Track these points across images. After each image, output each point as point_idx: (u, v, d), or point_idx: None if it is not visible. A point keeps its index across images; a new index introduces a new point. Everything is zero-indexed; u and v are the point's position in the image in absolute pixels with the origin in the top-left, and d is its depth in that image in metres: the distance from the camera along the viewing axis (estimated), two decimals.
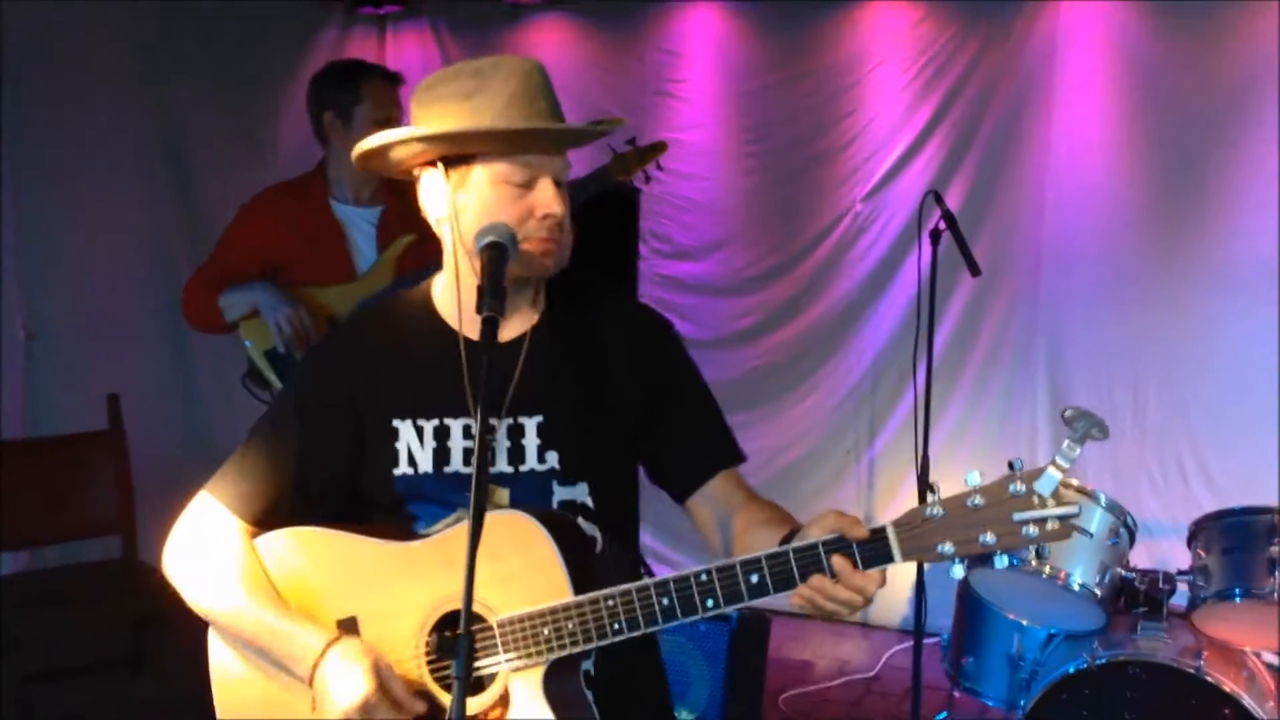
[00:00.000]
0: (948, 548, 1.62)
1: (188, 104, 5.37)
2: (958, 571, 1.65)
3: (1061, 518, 1.60)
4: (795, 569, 1.65)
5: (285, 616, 1.82)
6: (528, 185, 1.81)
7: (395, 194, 3.61)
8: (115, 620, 4.25)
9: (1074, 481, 3.47)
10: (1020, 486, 1.60)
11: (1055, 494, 1.60)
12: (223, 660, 1.92)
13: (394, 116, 3.55)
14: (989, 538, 1.61)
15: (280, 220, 3.55)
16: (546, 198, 1.80)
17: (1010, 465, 1.63)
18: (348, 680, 1.73)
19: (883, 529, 1.64)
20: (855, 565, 1.64)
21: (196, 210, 5.38)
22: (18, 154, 4.82)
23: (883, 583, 1.66)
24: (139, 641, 4.29)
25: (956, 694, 4.13)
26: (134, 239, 5.29)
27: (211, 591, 1.87)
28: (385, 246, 3.55)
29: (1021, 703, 3.46)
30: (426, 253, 3.40)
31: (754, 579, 1.66)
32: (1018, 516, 1.60)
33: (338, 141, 3.55)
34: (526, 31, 5.64)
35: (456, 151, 1.83)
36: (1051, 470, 1.59)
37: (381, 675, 1.74)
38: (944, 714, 4.25)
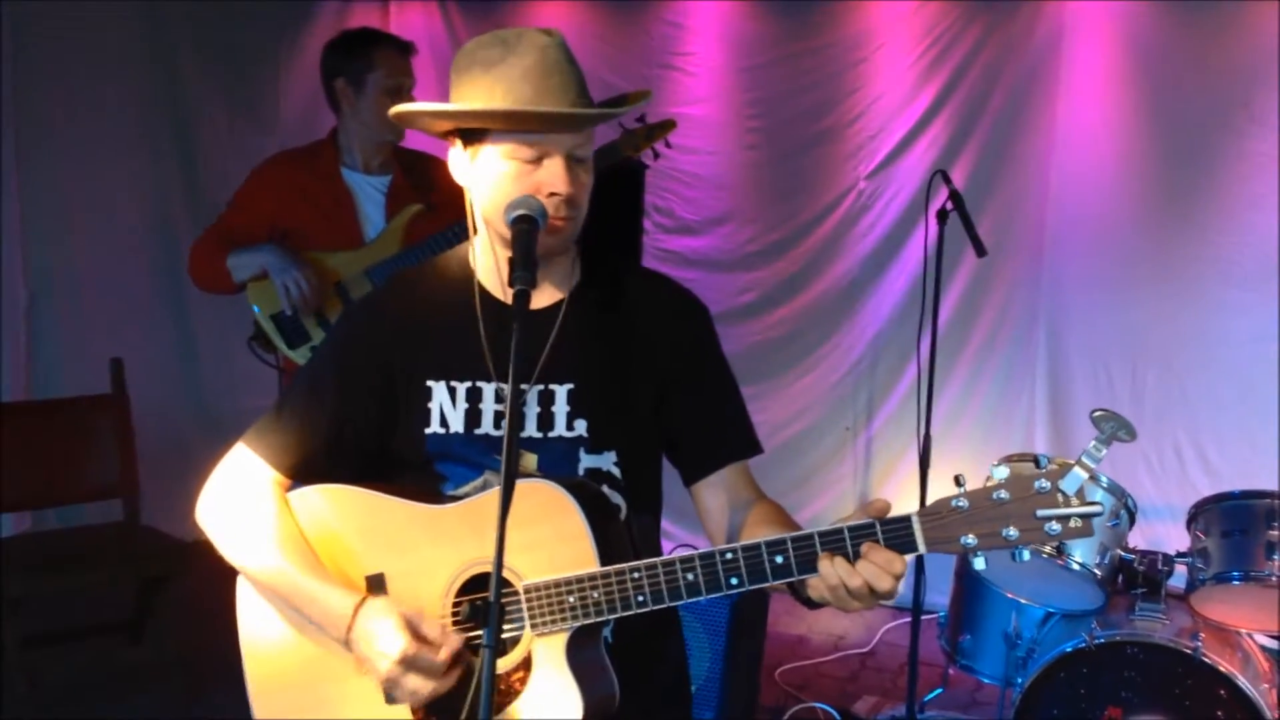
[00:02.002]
0: (971, 540, 1.63)
1: (191, 73, 5.38)
2: (979, 564, 1.66)
3: (1084, 515, 1.61)
4: (820, 552, 1.66)
5: (318, 578, 1.85)
6: (536, 162, 1.81)
7: (403, 164, 3.63)
8: (118, 584, 4.27)
9: (1072, 462, 3.49)
10: (1045, 483, 1.61)
11: (1079, 492, 1.61)
12: (253, 615, 1.94)
13: (405, 85, 3.56)
14: (1012, 532, 1.62)
15: (291, 186, 3.58)
16: (553, 176, 1.81)
17: (1036, 461, 1.63)
18: (381, 643, 1.75)
19: (907, 518, 1.65)
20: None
21: (198, 178, 5.40)
22: (23, 120, 4.82)
23: (904, 570, 1.67)
24: (141, 605, 4.31)
25: (952, 671, 4.17)
26: (136, 205, 5.31)
27: (246, 547, 1.89)
28: (394, 215, 3.56)
29: (1018, 680, 3.50)
30: (433, 222, 3.46)
31: (778, 559, 1.67)
32: (1041, 513, 1.61)
33: (349, 109, 3.57)
34: (532, 3, 5.63)
35: (470, 125, 1.84)
36: (1077, 469, 1.60)
37: (412, 625, 1.76)
38: (939, 690, 4.29)
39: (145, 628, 4.35)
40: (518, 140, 1.80)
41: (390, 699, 1.81)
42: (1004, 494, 1.62)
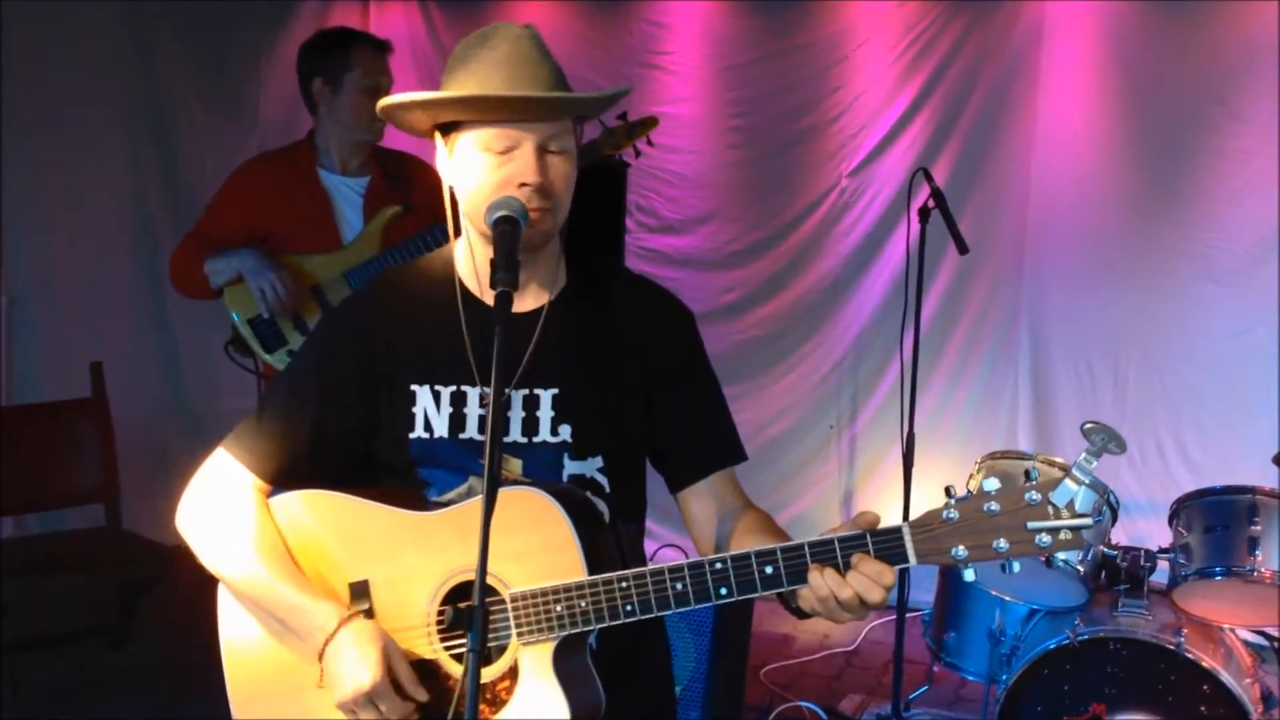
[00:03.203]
0: (961, 551, 1.63)
1: (171, 74, 5.34)
2: (969, 575, 1.66)
3: (1074, 528, 1.61)
4: (810, 563, 1.66)
5: (299, 589, 1.83)
6: (507, 153, 1.80)
7: (382, 165, 3.61)
8: (100, 589, 4.24)
9: (1058, 459, 3.51)
10: (1036, 495, 1.61)
11: (1070, 504, 1.61)
12: (234, 620, 1.93)
13: (383, 84, 3.55)
14: (1002, 544, 1.62)
15: (267, 189, 3.55)
16: (522, 165, 1.79)
17: (1026, 474, 1.63)
18: (356, 667, 1.74)
19: (898, 529, 1.65)
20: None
21: (178, 180, 5.37)
22: (3, 125, 4.78)
23: (894, 581, 1.66)
24: (124, 610, 4.28)
25: (936, 668, 4.18)
26: (116, 207, 5.28)
27: (228, 555, 1.87)
28: (372, 216, 3.54)
29: (1003, 677, 3.51)
30: (412, 223, 3.44)
31: (768, 570, 1.67)
32: (1032, 525, 1.61)
33: (326, 109, 3.55)
34: (514, 2, 5.61)
35: (445, 119, 1.84)
36: (1068, 482, 1.60)
37: (390, 663, 1.76)
38: (924, 688, 4.30)
39: (128, 632, 4.32)
40: (489, 129, 1.79)
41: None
42: (994, 505, 1.62)
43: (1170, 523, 3.53)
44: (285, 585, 1.83)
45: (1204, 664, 3.17)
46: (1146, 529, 4.41)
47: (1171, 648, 3.19)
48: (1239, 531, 3.32)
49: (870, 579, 1.63)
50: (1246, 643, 3.55)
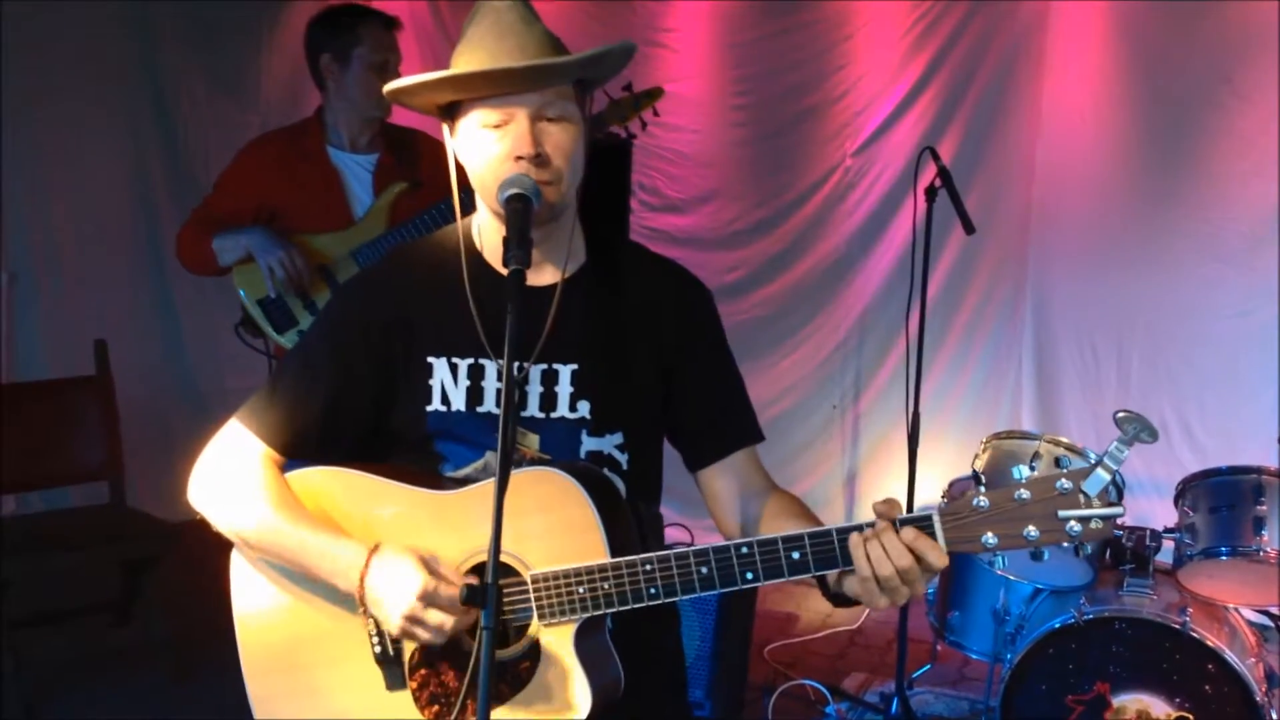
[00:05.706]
0: (991, 539, 1.63)
1: (172, 50, 5.32)
2: (1000, 563, 1.66)
3: (1106, 517, 1.60)
4: (838, 549, 1.66)
5: (324, 533, 1.82)
6: (502, 126, 1.79)
7: (390, 141, 3.59)
8: (104, 566, 4.24)
9: (1064, 439, 3.51)
10: (1067, 484, 1.60)
11: (1101, 494, 1.60)
12: (247, 594, 1.91)
13: (391, 61, 3.53)
14: (1033, 532, 1.61)
15: (276, 167, 3.53)
16: (516, 138, 1.78)
17: (1057, 462, 1.63)
18: (400, 578, 1.72)
19: (929, 516, 1.64)
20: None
21: (179, 157, 5.35)
22: (3, 101, 4.75)
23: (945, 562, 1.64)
24: (128, 587, 4.28)
25: (940, 647, 4.19)
26: (117, 184, 5.25)
27: (245, 513, 1.85)
28: (382, 193, 3.52)
29: (1007, 656, 3.51)
30: (420, 199, 3.43)
31: (795, 555, 1.67)
32: (1063, 514, 1.60)
33: (334, 86, 3.53)
34: None
35: (443, 100, 1.84)
36: (1100, 471, 1.59)
37: (429, 564, 1.74)
38: (927, 666, 4.31)
39: (132, 610, 4.32)
40: (482, 106, 1.79)
41: (405, 638, 1.78)
42: (1025, 494, 1.62)
43: (1176, 503, 3.54)
44: (309, 531, 1.82)
45: (1209, 643, 3.17)
46: (1150, 509, 4.41)
47: (1176, 627, 3.19)
48: (1244, 512, 3.33)
49: (929, 548, 1.61)
50: (1251, 623, 3.56)
